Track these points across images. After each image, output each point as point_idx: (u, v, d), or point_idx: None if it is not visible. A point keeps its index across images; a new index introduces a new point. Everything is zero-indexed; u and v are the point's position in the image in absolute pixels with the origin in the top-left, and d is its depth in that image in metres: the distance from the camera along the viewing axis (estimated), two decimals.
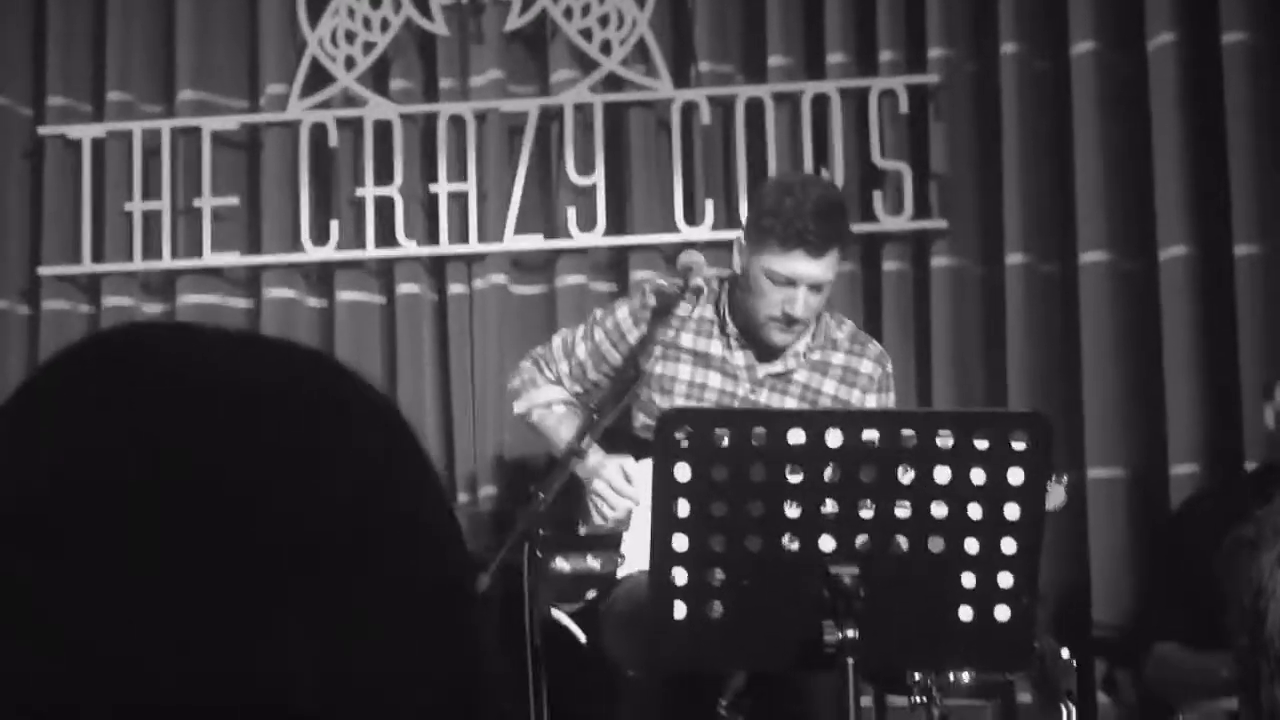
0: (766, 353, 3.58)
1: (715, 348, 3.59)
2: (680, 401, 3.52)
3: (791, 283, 3.44)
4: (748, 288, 3.51)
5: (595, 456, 3.45)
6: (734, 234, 4.51)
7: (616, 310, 3.69)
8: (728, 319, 3.59)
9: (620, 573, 3.40)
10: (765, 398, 3.57)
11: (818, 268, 3.44)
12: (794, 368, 3.59)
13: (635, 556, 3.34)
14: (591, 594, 3.49)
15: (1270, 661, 1.05)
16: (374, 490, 0.69)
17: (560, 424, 3.66)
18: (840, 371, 3.61)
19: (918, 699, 3.47)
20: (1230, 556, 1.11)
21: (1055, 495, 3.51)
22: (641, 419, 3.61)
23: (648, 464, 3.41)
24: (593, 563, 3.58)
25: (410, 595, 0.68)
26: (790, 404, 3.55)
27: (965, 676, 3.52)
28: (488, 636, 0.75)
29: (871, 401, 3.60)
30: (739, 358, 3.58)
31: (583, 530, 3.54)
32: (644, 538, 3.27)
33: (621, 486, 3.45)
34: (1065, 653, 3.75)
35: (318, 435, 0.68)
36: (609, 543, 3.47)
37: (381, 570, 0.67)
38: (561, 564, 3.61)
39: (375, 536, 0.67)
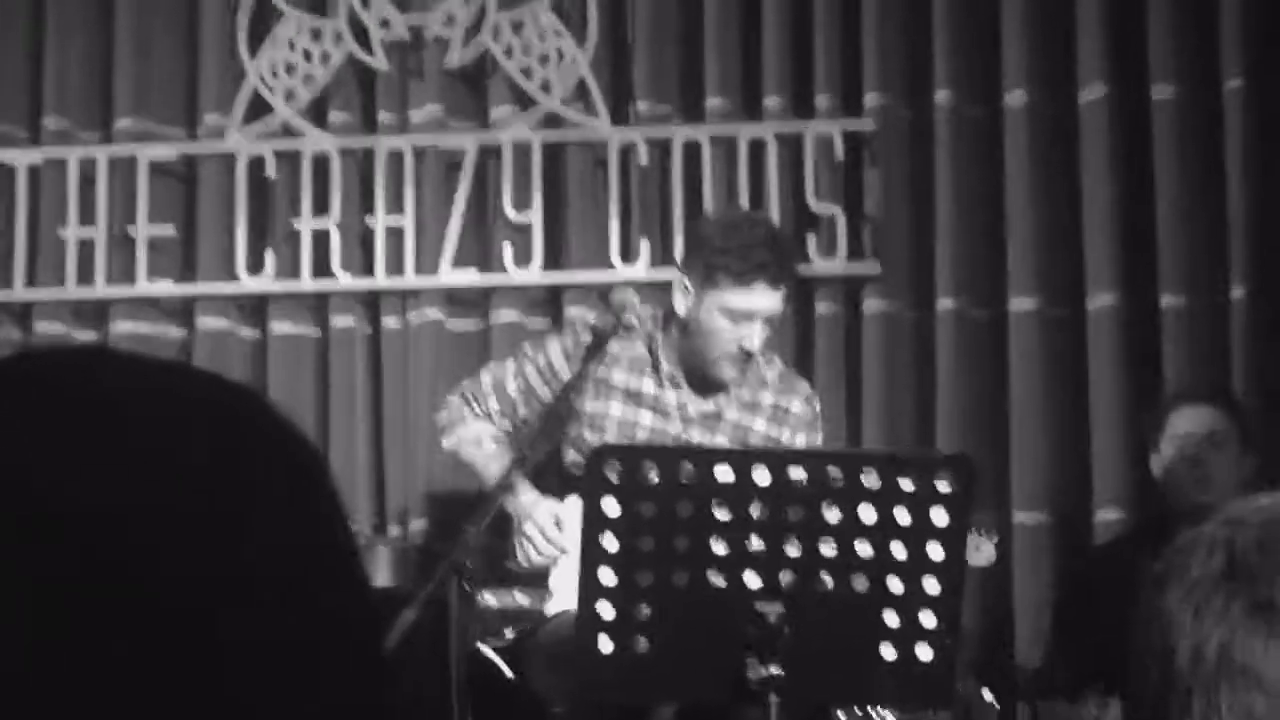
0: (704, 390, 3.60)
1: (648, 386, 3.61)
2: (611, 439, 3.54)
3: (749, 317, 3.47)
4: (697, 329, 3.52)
5: (528, 495, 3.45)
6: (668, 273, 4.55)
7: (548, 347, 3.70)
8: (661, 358, 3.62)
9: (549, 609, 3.40)
10: (697, 436, 3.59)
11: (776, 299, 3.49)
12: (725, 407, 3.61)
13: (563, 594, 3.35)
14: (519, 630, 3.49)
15: (1180, 696, 1.07)
16: (265, 521, 0.66)
17: (490, 461, 3.65)
18: (770, 410, 3.64)
19: None
20: (1141, 596, 1.13)
21: (985, 552, 3.55)
22: (572, 455, 3.62)
23: (577, 504, 3.42)
24: (521, 599, 3.58)
25: (312, 631, 0.66)
26: (721, 442, 3.58)
27: (890, 716, 3.54)
28: (395, 671, 0.74)
29: (801, 440, 3.63)
30: (671, 396, 3.60)
31: (512, 566, 3.55)
32: (572, 576, 3.29)
33: (552, 534, 3.44)
34: (988, 694, 3.79)
35: (219, 472, 0.66)
36: (537, 579, 3.47)
37: (283, 606, 0.65)
38: (490, 599, 3.62)
39: (271, 574, 0.65)
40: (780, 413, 3.64)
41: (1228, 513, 1.11)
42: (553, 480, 3.57)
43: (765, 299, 3.46)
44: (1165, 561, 1.11)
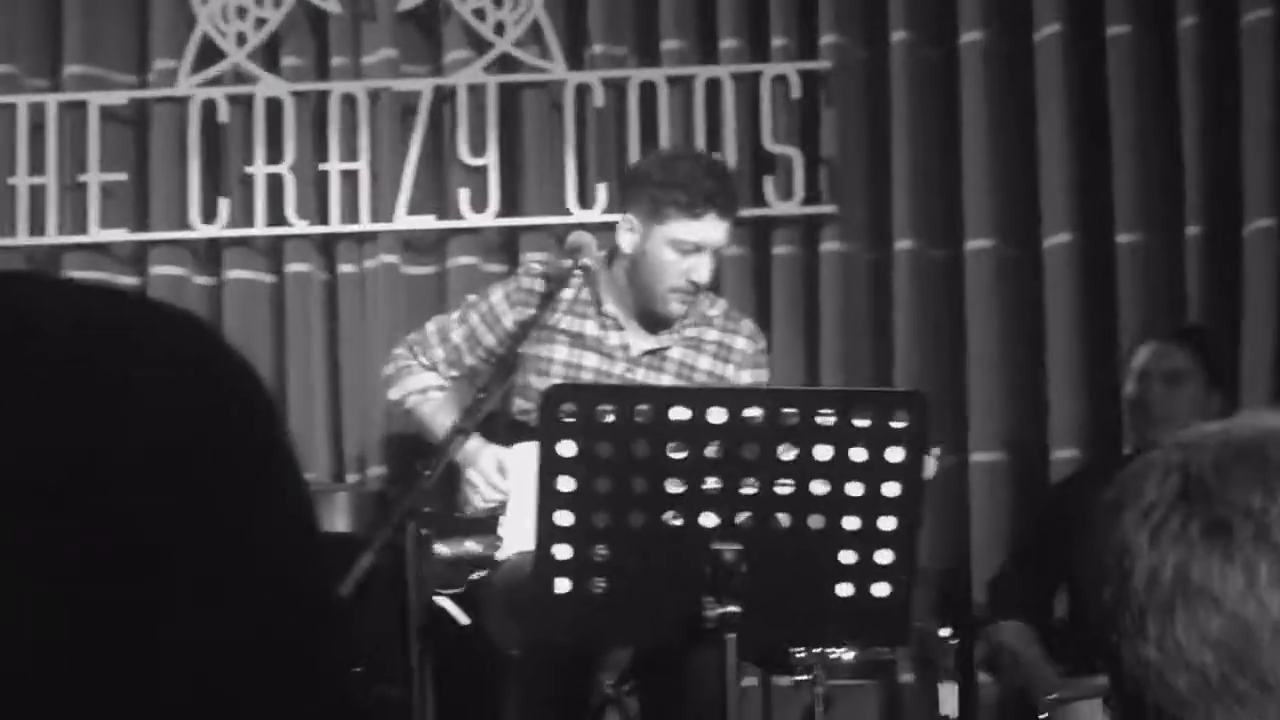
0: (650, 328, 3.59)
1: (590, 328, 3.60)
2: (556, 382, 3.52)
3: (699, 248, 3.47)
4: (644, 265, 3.52)
5: (473, 443, 3.44)
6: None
7: (491, 294, 3.69)
8: (603, 299, 3.61)
9: (499, 555, 3.40)
10: (641, 376, 3.58)
11: (724, 230, 3.50)
12: (668, 345, 3.61)
13: (513, 539, 3.34)
14: (472, 577, 3.49)
15: (1134, 616, 1.07)
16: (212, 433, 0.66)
17: (437, 411, 3.64)
18: (714, 348, 3.63)
19: (801, 678, 3.51)
20: (1093, 520, 1.13)
21: (927, 466, 3.56)
22: (519, 403, 3.61)
23: (524, 449, 3.42)
24: (472, 546, 3.57)
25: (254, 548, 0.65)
26: (666, 381, 3.57)
27: (848, 655, 3.56)
28: (345, 618, 0.73)
29: (746, 377, 3.63)
30: (614, 338, 3.60)
31: (459, 515, 3.54)
32: (521, 521, 3.29)
33: (494, 479, 3.44)
34: (945, 632, 3.81)
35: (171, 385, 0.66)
36: (487, 526, 3.47)
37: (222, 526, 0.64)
38: (441, 549, 3.61)
39: (212, 496, 0.64)
40: (724, 350, 3.63)
41: (1181, 437, 1.12)
42: (500, 429, 3.56)
43: (714, 230, 3.47)
44: (1119, 485, 1.11)
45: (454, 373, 3.71)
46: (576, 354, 3.60)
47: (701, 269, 3.48)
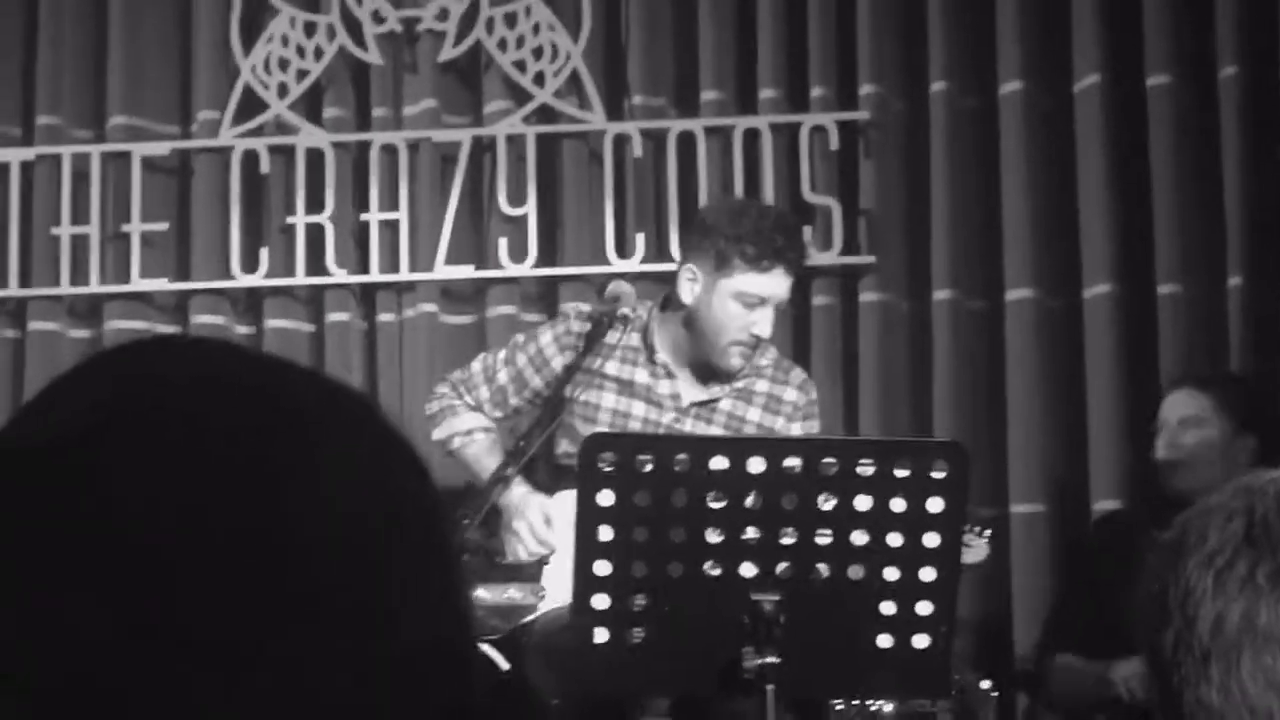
0: (703, 380, 3.58)
1: (641, 375, 3.60)
2: (603, 429, 3.52)
3: (764, 303, 3.47)
4: (706, 317, 3.51)
5: (519, 490, 3.44)
6: (665, 266, 4.55)
7: (540, 336, 3.69)
8: (656, 347, 3.61)
9: (542, 607, 3.39)
10: (690, 426, 3.58)
11: (789, 284, 3.51)
12: (719, 396, 3.60)
13: (557, 591, 3.33)
14: (513, 625, 3.47)
15: (1197, 661, 1.06)
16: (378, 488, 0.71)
17: (482, 455, 3.63)
18: (764, 399, 3.62)
19: None
20: (1150, 563, 1.12)
21: (978, 550, 3.54)
22: (564, 446, 3.61)
23: (569, 497, 3.41)
24: (514, 594, 3.56)
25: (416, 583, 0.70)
26: (716, 432, 3.57)
27: (887, 707, 3.54)
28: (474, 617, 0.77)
29: (796, 429, 3.62)
30: (664, 386, 3.59)
31: (501, 561, 3.53)
32: (565, 572, 3.28)
33: (542, 533, 3.42)
34: (986, 684, 3.78)
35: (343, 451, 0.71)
36: (529, 574, 3.46)
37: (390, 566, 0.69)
38: (483, 594, 3.60)
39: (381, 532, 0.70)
40: (774, 401, 3.63)
41: (1242, 482, 1.11)
42: (544, 471, 3.55)
43: (780, 284, 3.47)
44: (1178, 530, 1.10)
45: (499, 414, 3.70)
46: (625, 401, 3.59)
47: (764, 323, 3.48)
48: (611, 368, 3.59)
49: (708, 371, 3.57)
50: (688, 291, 3.53)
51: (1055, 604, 4.05)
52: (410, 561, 0.70)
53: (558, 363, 3.61)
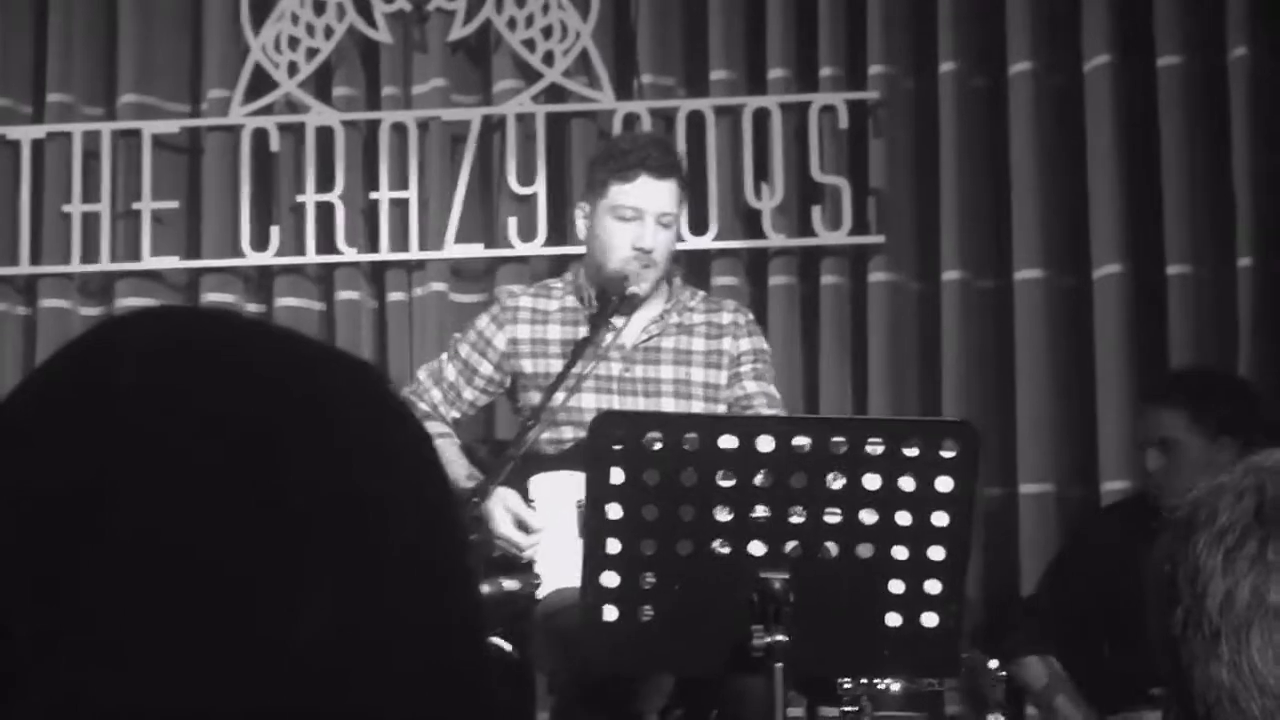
0: (629, 311, 3.52)
1: (583, 333, 3.56)
2: (558, 396, 3.49)
3: (639, 214, 3.48)
4: (596, 245, 3.54)
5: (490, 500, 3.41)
6: (679, 245, 4.55)
7: (476, 322, 3.69)
8: (589, 298, 3.59)
9: (540, 594, 3.38)
10: (640, 372, 3.57)
11: (663, 191, 3.50)
12: (656, 333, 3.58)
13: (552, 577, 3.33)
14: (513, 613, 3.46)
15: (1207, 638, 1.07)
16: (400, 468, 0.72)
17: (449, 464, 3.59)
18: (704, 328, 3.62)
19: (848, 709, 3.49)
20: (1160, 541, 1.13)
21: None
22: (546, 433, 3.57)
23: (543, 482, 3.40)
24: (510, 585, 3.55)
25: (421, 562, 0.71)
26: (665, 371, 3.56)
27: (895, 687, 3.54)
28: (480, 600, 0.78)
29: (745, 344, 3.61)
30: (605, 338, 3.57)
31: (495, 553, 3.50)
32: (557, 558, 3.28)
33: (518, 540, 3.39)
34: (994, 664, 3.79)
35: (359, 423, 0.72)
36: (523, 563, 3.44)
37: (399, 538, 0.70)
38: (483, 589, 3.59)
39: (395, 509, 0.70)
40: (714, 327, 3.62)
41: (1253, 461, 1.11)
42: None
43: (650, 191, 3.49)
44: (1188, 508, 1.10)
45: (454, 413, 3.68)
46: (590, 365, 3.55)
47: (646, 235, 3.48)
48: (554, 332, 3.59)
49: (627, 301, 3.51)
50: (581, 229, 3.60)
51: (1028, 602, 4.05)
52: (420, 530, 0.71)
53: (500, 340, 3.61)
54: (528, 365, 3.58)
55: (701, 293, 3.76)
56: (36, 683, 0.63)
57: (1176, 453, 3.72)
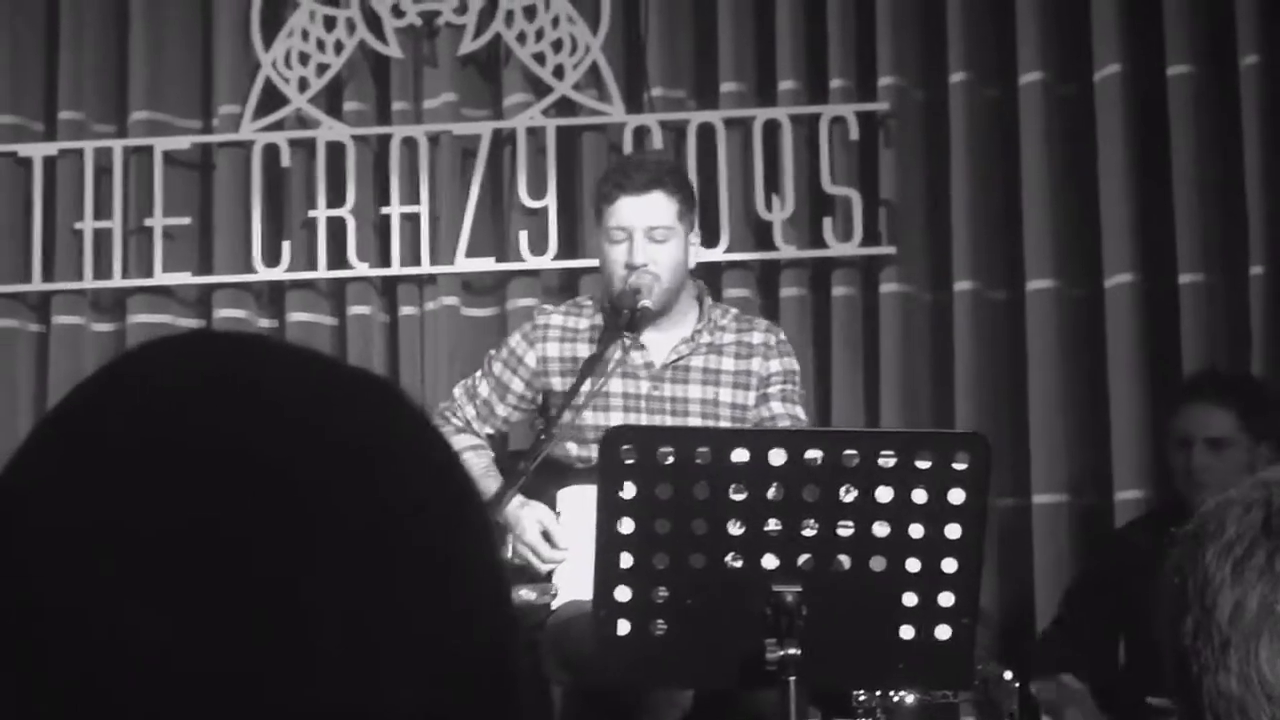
0: (642, 323, 3.52)
1: (613, 351, 3.57)
2: (588, 414, 3.52)
3: (627, 232, 3.50)
4: (602, 267, 3.60)
5: (512, 508, 3.42)
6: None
7: (509, 340, 3.72)
8: (610, 320, 3.60)
9: (555, 604, 3.39)
10: (669, 390, 3.57)
11: (644, 206, 3.52)
12: (686, 353, 3.59)
13: (569, 587, 3.34)
14: (529, 623, 3.47)
15: (1216, 649, 1.07)
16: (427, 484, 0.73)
17: (478, 476, 3.60)
18: (734, 348, 3.62)
19: None
20: (1169, 554, 1.13)
21: None
22: (571, 447, 3.58)
23: (570, 495, 3.41)
24: (527, 595, 3.56)
25: (447, 573, 0.71)
26: (694, 391, 3.57)
27: (909, 699, 3.53)
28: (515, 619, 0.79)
29: (775, 365, 3.61)
30: (635, 357, 3.57)
31: (513, 562, 3.51)
32: (575, 569, 3.29)
33: (544, 552, 3.41)
34: (1009, 675, 3.78)
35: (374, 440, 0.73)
36: (539, 573, 3.45)
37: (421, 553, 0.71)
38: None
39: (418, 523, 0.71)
40: (744, 347, 3.62)
41: (1261, 475, 1.12)
42: (541, 469, 3.53)
43: (631, 208, 3.51)
44: (1198, 521, 1.11)
45: (488, 429, 3.71)
46: (600, 382, 3.56)
47: (634, 251, 3.50)
48: (584, 351, 3.60)
49: (645, 322, 3.52)
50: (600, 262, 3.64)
51: (1056, 617, 4.04)
52: (447, 537, 0.72)
53: (531, 358, 3.62)
54: (557, 383, 3.60)
55: (734, 310, 3.76)
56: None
57: (1225, 452, 3.72)
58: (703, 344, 3.60)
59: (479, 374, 3.72)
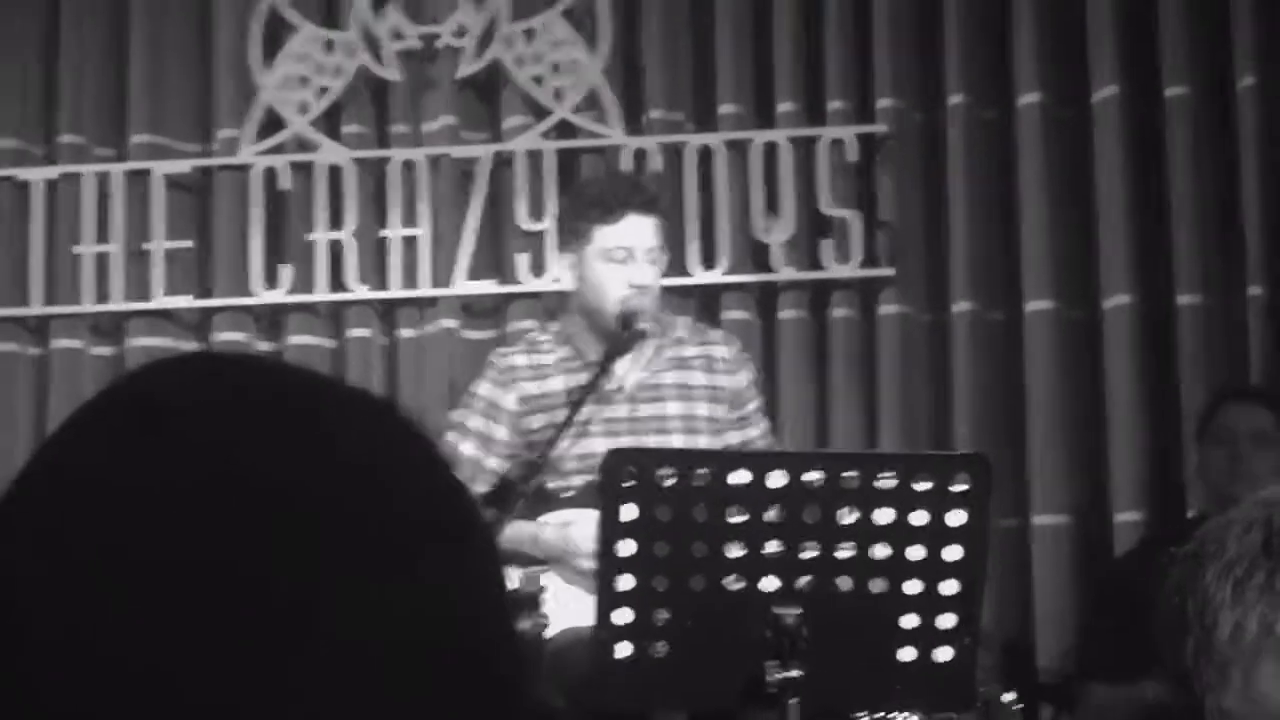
0: (627, 349, 3.50)
1: (584, 380, 3.56)
2: (563, 445, 3.44)
3: (630, 253, 3.47)
4: (589, 291, 3.51)
5: (554, 530, 3.41)
6: (683, 280, 4.57)
7: (477, 391, 3.61)
8: (584, 351, 3.56)
9: (547, 634, 3.36)
10: (647, 410, 3.56)
11: (648, 228, 3.50)
12: (657, 369, 3.56)
13: (559, 616, 3.32)
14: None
15: (1217, 668, 1.07)
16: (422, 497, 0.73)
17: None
18: (700, 361, 3.61)
19: None
20: (1170, 575, 1.13)
21: None
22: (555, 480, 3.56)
23: (557, 520, 3.40)
24: (520, 625, 3.54)
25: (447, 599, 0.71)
26: (671, 409, 3.55)
27: (910, 719, 3.53)
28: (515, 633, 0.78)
29: (742, 379, 3.62)
30: (609, 382, 3.55)
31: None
32: (564, 598, 3.28)
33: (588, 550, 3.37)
34: (1010, 697, 3.77)
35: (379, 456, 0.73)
36: (527, 604, 3.41)
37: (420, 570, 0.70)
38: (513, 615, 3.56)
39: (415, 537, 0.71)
40: (709, 360, 3.61)
41: (1260, 495, 1.12)
42: (538, 502, 3.51)
43: (638, 228, 3.48)
44: (1198, 541, 1.11)
45: (481, 488, 3.52)
46: (579, 410, 3.53)
47: (639, 272, 3.47)
48: (558, 384, 3.57)
49: (626, 340, 3.49)
50: (569, 279, 3.57)
51: (1084, 632, 4.04)
52: (450, 556, 0.72)
53: (509, 401, 3.56)
54: (537, 420, 3.56)
55: (685, 319, 3.77)
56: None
57: (1265, 448, 3.75)
58: (668, 358, 3.58)
59: (451, 438, 3.57)
